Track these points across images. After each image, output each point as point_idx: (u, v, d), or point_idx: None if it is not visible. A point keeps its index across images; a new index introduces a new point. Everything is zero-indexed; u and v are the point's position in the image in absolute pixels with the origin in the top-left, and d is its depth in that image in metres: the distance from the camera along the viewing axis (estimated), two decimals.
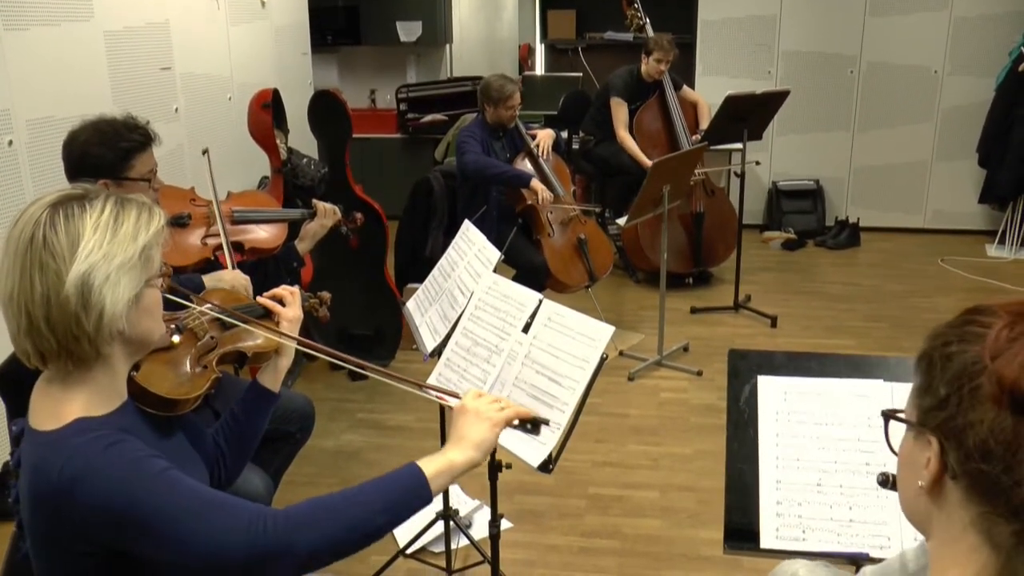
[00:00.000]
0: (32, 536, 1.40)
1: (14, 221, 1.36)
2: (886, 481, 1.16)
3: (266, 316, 1.86)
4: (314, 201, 3.01)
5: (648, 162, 5.30)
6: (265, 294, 1.88)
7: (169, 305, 1.68)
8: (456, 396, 1.62)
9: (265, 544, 1.29)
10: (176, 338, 1.67)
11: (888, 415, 1.08)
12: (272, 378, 1.82)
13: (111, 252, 1.34)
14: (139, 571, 1.38)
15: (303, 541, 1.31)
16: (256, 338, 1.85)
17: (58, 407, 1.37)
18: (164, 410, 1.55)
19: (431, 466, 1.43)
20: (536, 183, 4.49)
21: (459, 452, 1.47)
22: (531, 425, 1.58)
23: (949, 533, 0.96)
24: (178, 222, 2.69)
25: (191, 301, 1.72)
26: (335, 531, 1.34)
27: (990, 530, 0.92)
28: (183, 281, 2.36)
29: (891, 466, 1.58)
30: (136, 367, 1.51)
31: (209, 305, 1.79)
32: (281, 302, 1.86)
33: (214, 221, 2.77)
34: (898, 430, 1.06)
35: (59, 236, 1.32)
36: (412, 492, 1.40)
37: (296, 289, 1.90)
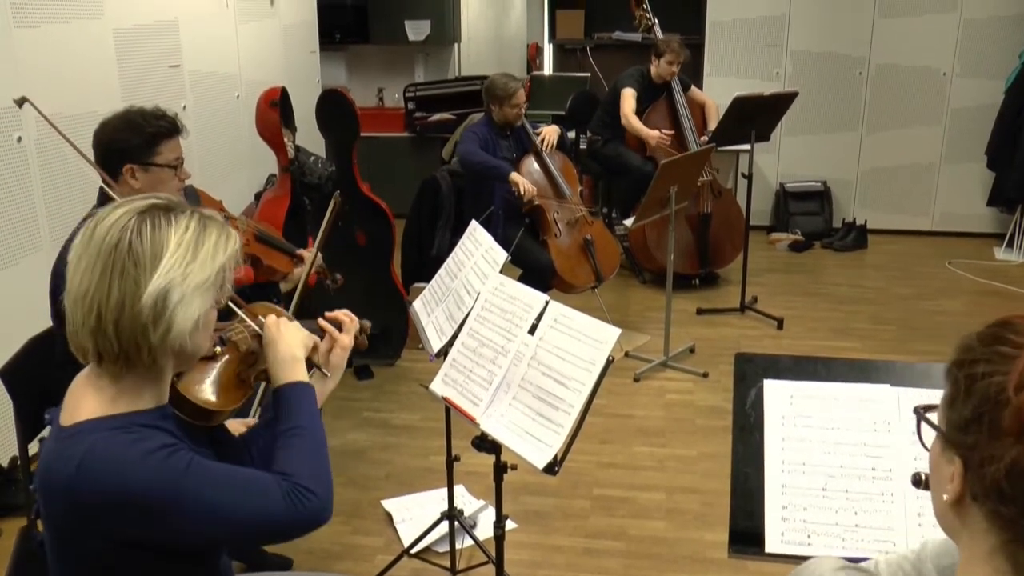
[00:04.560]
0: (47, 528, 1.42)
1: (100, 219, 1.38)
2: (919, 482, 1.08)
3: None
4: (299, 251, 3.01)
5: (654, 134, 5.34)
6: (327, 314, 1.87)
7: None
8: (257, 316, 1.74)
9: (304, 512, 1.42)
10: (219, 349, 1.67)
11: (921, 416, 1.02)
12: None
13: (190, 272, 1.36)
14: (151, 559, 1.40)
15: (322, 494, 1.46)
16: None
17: (88, 403, 1.39)
18: (199, 419, 1.56)
19: (300, 375, 1.63)
20: (515, 176, 4.48)
21: (298, 359, 1.64)
22: (315, 367, 1.75)
23: (976, 551, 0.92)
24: None
25: (240, 312, 1.72)
26: (325, 468, 1.52)
27: (1015, 556, 0.87)
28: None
29: (897, 471, 1.59)
30: (179, 375, 1.53)
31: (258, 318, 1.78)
32: (339, 327, 1.85)
33: (243, 231, 2.82)
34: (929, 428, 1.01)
35: (144, 245, 1.34)
36: (315, 399, 1.64)
37: (355, 316, 1.88)
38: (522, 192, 4.45)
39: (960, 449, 0.91)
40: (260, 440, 1.80)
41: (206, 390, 1.59)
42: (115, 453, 1.32)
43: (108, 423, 1.36)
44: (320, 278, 3.15)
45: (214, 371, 1.64)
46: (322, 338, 1.82)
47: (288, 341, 1.63)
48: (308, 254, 2.91)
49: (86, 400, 1.40)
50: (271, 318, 1.69)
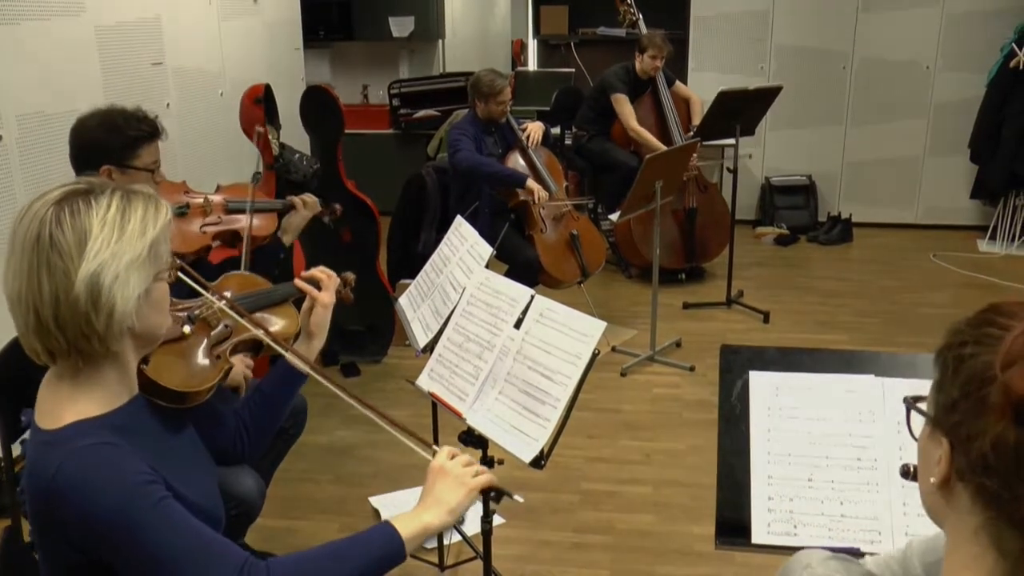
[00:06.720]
0: (33, 529, 1.41)
1: (19, 218, 1.34)
2: (907, 472, 1.11)
3: (300, 298, 1.83)
4: (289, 197, 3.02)
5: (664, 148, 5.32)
6: (302, 274, 1.85)
7: (183, 294, 1.66)
8: (430, 446, 1.63)
9: None
10: (187, 328, 1.63)
11: (910, 404, 1.05)
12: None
13: (120, 250, 1.32)
14: None
15: None
16: (274, 323, 1.82)
17: (62, 405, 1.36)
18: (174, 403, 1.52)
19: (408, 529, 1.47)
20: (531, 183, 4.46)
21: (435, 516, 1.51)
22: (495, 493, 1.62)
23: (961, 533, 0.94)
24: (178, 212, 2.74)
25: (206, 289, 1.68)
26: None
27: (998, 536, 0.89)
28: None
29: (882, 461, 1.59)
30: (146, 360, 1.48)
31: (228, 293, 1.75)
32: (317, 285, 1.83)
33: (210, 211, 2.81)
34: (919, 417, 1.03)
35: (66, 234, 1.30)
36: (390, 556, 1.45)
37: (332, 272, 1.87)
38: (537, 200, 4.45)
39: (947, 429, 0.94)
40: (251, 406, 1.78)
41: (178, 372, 1.55)
42: (88, 473, 1.29)
43: (86, 432, 1.33)
44: (319, 215, 3.15)
45: (184, 352, 1.60)
46: (303, 300, 1.79)
47: (432, 500, 1.52)
48: (298, 200, 2.94)
49: (59, 401, 1.37)
50: (440, 457, 1.56)
